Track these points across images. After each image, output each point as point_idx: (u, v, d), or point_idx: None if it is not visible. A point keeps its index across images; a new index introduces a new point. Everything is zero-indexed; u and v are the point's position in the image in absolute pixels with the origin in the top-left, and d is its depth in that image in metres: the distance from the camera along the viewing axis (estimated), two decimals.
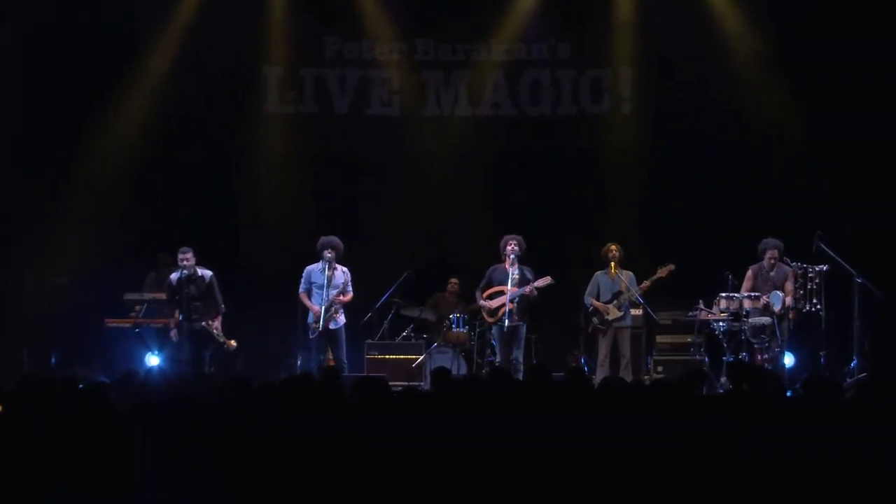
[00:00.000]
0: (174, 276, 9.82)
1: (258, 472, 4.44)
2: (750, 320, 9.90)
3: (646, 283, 10.27)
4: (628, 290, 10.21)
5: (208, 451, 4.48)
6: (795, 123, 11.55)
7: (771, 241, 10.02)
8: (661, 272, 10.23)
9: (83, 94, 11.68)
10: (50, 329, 10.96)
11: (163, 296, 10.15)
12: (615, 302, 10.25)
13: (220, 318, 9.88)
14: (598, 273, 10.43)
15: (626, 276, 10.32)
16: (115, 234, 11.61)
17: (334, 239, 10.02)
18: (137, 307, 10.36)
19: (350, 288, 10.03)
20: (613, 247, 10.35)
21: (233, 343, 9.88)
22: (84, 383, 5.94)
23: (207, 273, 9.88)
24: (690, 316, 10.54)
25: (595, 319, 10.34)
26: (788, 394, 7.79)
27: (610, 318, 10.23)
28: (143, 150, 11.73)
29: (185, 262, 9.72)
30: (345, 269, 10.04)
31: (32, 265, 11.36)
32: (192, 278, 9.74)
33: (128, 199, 11.70)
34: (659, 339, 11.22)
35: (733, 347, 10.12)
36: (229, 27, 11.78)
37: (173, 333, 9.79)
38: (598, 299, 10.33)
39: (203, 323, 9.70)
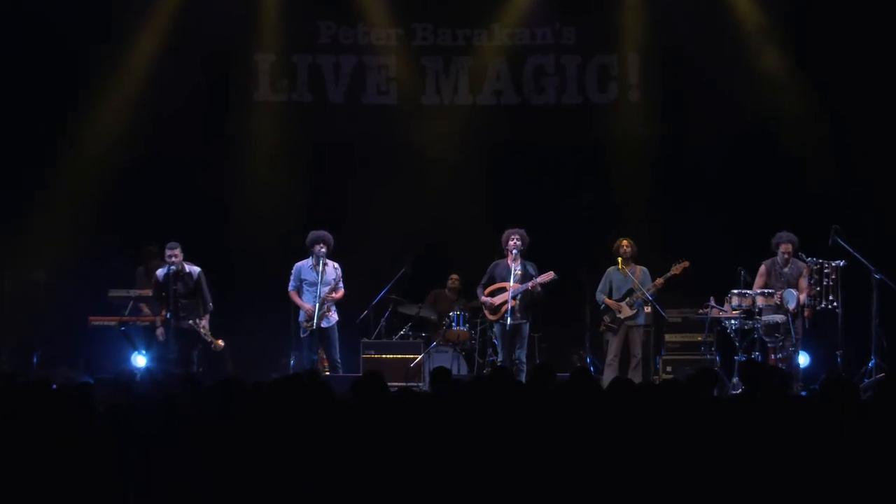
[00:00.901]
0: (161, 272, 9.80)
1: (247, 475, 4.45)
2: (763, 318, 9.88)
3: (659, 281, 10.23)
4: (639, 288, 10.17)
5: (195, 454, 4.48)
6: (811, 112, 11.54)
7: (785, 234, 9.99)
8: (675, 269, 10.19)
9: (64, 80, 11.65)
10: (31, 328, 10.94)
11: (150, 292, 10.14)
12: (628, 300, 10.22)
13: (207, 316, 9.86)
14: (611, 269, 10.40)
15: (640, 273, 10.28)
16: (99, 228, 11.59)
17: (325, 233, 10.01)
18: (142, 306, 10.36)
19: (342, 284, 10.03)
20: (625, 242, 10.31)
21: (220, 343, 9.88)
22: (67, 384, 5.94)
23: (195, 269, 9.87)
24: (701, 313, 10.53)
25: (606, 317, 10.32)
26: (803, 394, 7.81)
27: (622, 316, 10.20)
28: (128, 139, 11.70)
29: (173, 258, 9.71)
30: (336, 264, 10.04)
31: (10, 262, 11.33)
32: (180, 275, 9.73)
33: (112, 191, 11.67)
34: (668, 337, 11.20)
35: (746, 346, 10.10)
36: (218, 11, 11.73)
37: (160, 332, 9.78)
38: (609, 296, 10.31)
39: (191, 321, 9.70)
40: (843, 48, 11.23)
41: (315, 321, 9.78)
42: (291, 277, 10.07)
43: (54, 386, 5.51)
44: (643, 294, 10.19)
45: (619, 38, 12.18)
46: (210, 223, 11.60)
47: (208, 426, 4.72)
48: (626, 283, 10.27)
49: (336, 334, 10.07)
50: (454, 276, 11.60)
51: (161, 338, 9.76)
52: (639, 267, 10.34)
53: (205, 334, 9.76)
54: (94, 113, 11.80)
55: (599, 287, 10.42)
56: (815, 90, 11.50)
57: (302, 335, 9.99)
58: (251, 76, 12.29)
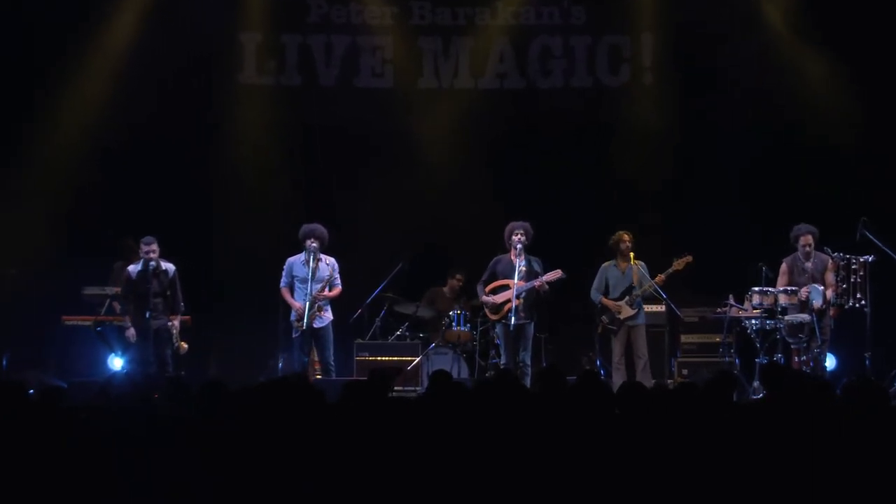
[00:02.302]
0: (133, 268, 9.80)
1: (233, 481, 4.46)
2: (786, 317, 9.87)
3: (660, 277, 10.15)
4: (641, 284, 10.11)
5: (177, 460, 4.50)
6: (838, 97, 11.51)
7: (804, 226, 9.96)
8: (677, 265, 10.13)
9: (38, 61, 11.62)
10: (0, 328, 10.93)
11: None
12: (627, 298, 10.18)
13: (179, 317, 9.85)
14: (606, 265, 10.34)
15: (638, 268, 10.19)
16: (74, 221, 11.57)
17: (318, 227, 9.98)
18: (116, 305, 10.35)
19: (338, 281, 10.01)
20: (626, 236, 10.25)
21: (184, 345, 9.89)
22: (38, 388, 5.94)
23: (171, 267, 9.87)
24: (719, 313, 10.52)
25: (605, 318, 10.23)
26: None
27: (622, 316, 10.14)
28: (106, 126, 11.68)
29: (151, 254, 9.70)
30: (331, 259, 10.02)
31: None
32: (156, 272, 9.73)
33: (88, 181, 11.65)
34: (684, 338, 11.20)
35: (767, 348, 10.09)
36: None
37: (130, 332, 9.75)
38: (606, 295, 10.26)
39: (169, 323, 9.70)
40: (872, 27, 11.21)
41: (305, 321, 9.77)
42: (283, 273, 10.05)
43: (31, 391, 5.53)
44: (652, 288, 10.12)
45: (632, 17, 12.15)
46: (192, 215, 11.58)
47: (192, 431, 4.73)
48: (625, 280, 10.21)
49: (330, 335, 10.04)
50: (459, 277, 11.52)
51: (132, 339, 9.74)
52: (636, 262, 10.23)
53: (175, 335, 9.77)
54: (69, 97, 11.78)
55: (594, 285, 10.34)
56: (841, 74, 11.47)
57: (293, 335, 9.98)
58: (236, 57, 12.26)
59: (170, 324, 9.72)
